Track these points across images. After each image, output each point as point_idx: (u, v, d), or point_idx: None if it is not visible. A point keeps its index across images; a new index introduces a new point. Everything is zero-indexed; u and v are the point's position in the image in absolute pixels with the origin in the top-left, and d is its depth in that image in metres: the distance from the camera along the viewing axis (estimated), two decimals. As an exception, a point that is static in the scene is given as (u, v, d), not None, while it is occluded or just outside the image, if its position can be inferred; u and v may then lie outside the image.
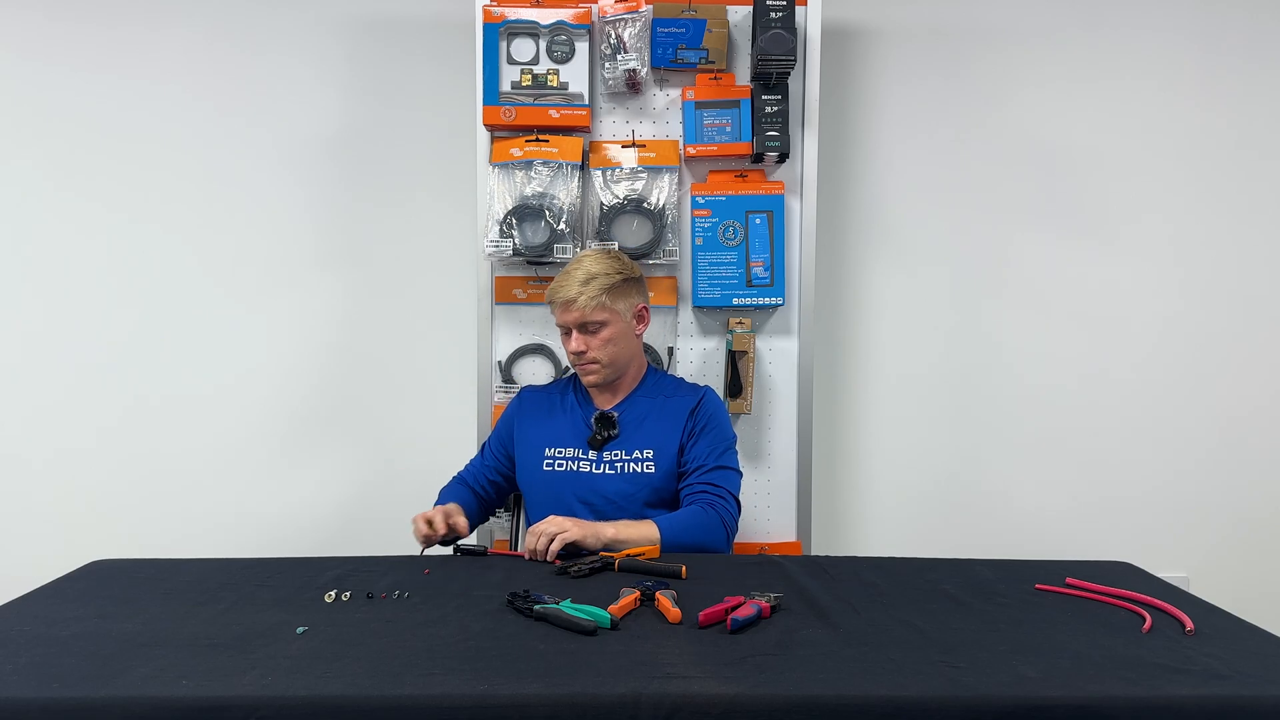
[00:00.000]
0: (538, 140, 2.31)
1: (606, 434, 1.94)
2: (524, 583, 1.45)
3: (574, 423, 1.99)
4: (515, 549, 2.10)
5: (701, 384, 2.07)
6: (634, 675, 1.13)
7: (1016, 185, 2.80)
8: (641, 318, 2.00)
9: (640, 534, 1.76)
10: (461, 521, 1.85)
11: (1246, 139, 2.81)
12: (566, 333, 1.94)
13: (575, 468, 1.94)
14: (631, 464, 1.93)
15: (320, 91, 2.74)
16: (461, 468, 2.11)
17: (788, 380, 2.41)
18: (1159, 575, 1.62)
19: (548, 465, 1.96)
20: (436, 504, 1.95)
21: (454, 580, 1.53)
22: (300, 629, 1.29)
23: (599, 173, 2.32)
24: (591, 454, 1.94)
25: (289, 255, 2.76)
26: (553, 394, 2.08)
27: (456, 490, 2.04)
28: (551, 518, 1.71)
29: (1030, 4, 2.78)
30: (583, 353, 1.91)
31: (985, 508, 2.86)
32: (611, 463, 1.93)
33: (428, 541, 1.81)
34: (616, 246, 2.28)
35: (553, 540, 1.66)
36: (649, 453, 1.93)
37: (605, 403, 2.00)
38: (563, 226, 2.27)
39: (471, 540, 1.93)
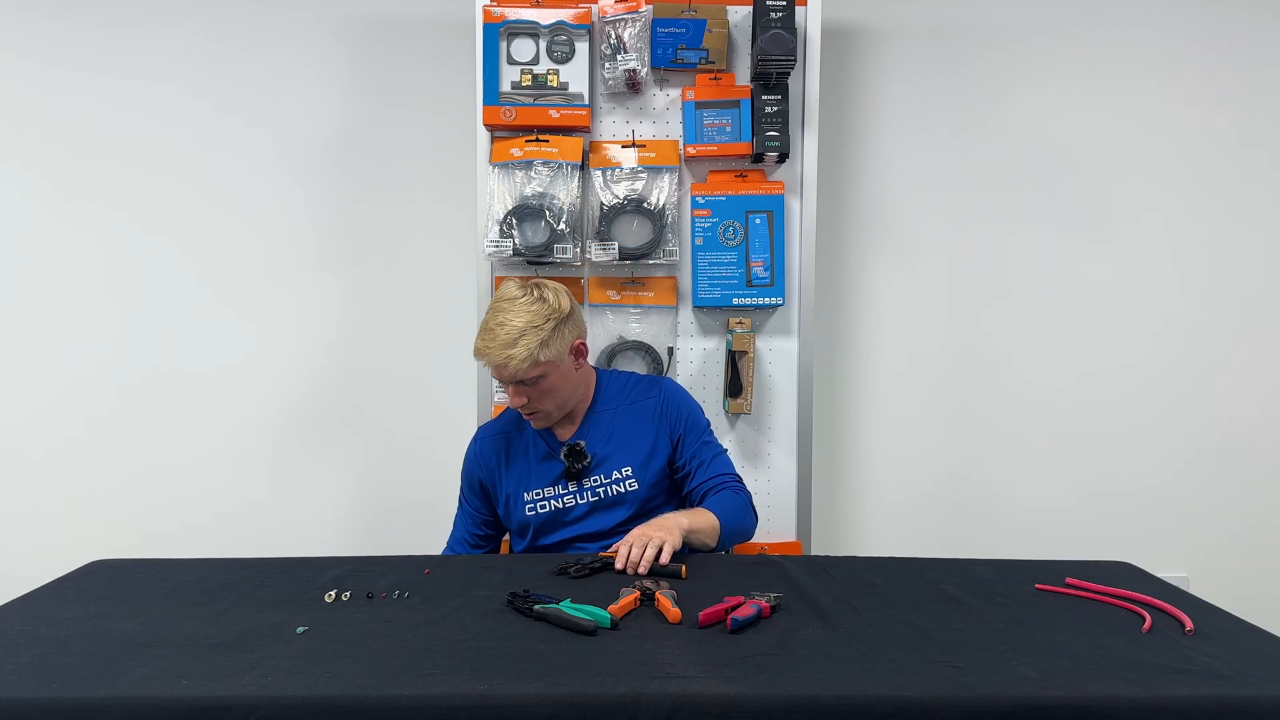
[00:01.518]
0: (538, 140, 2.31)
1: (580, 466, 1.87)
2: (524, 583, 1.45)
3: (541, 459, 1.91)
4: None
5: (701, 395, 2.05)
6: (634, 675, 1.13)
7: (1016, 184, 2.81)
8: (580, 352, 1.87)
9: (706, 521, 1.76)
10: None
11: (1246, 138, 2.81)
12: (504, 384, 1.82)
13: (560, 505, 1.88)
14: (613, 486, 1.88)
15: (320, 91, 2.74)
16: (449, 539, 2.01)
17: (788, 380, 2.41)
18: (1159, 575, 1.62)
19: (530, 510, 1.89)
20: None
21: (454, 580, 1.53)
22: (300, 629, 1.29)
23: (599, 173, 2.32)
24: (571, 485, 1.88)
25: (289, 255, 2.76)
26: (509, 430, 1.96)
27: None
28: (642, 530, 1.64)
29: (1030, 3, 2.78)
30: (525, 404, 1.81)
31: (985, 508, 2.86)
32: (593, 489, 1.88)
33: None
34: (616, 247, 2.28)
35: (661, 549, 1.58)
36: (627, 470, 1.88)
37: (566, 429, 1.92)
38: (563, 226, 2.27)
39: None
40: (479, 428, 2.08)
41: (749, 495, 1.92)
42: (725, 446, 2.00)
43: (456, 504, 2.03)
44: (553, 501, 1.88)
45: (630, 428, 1.92)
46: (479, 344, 1.78)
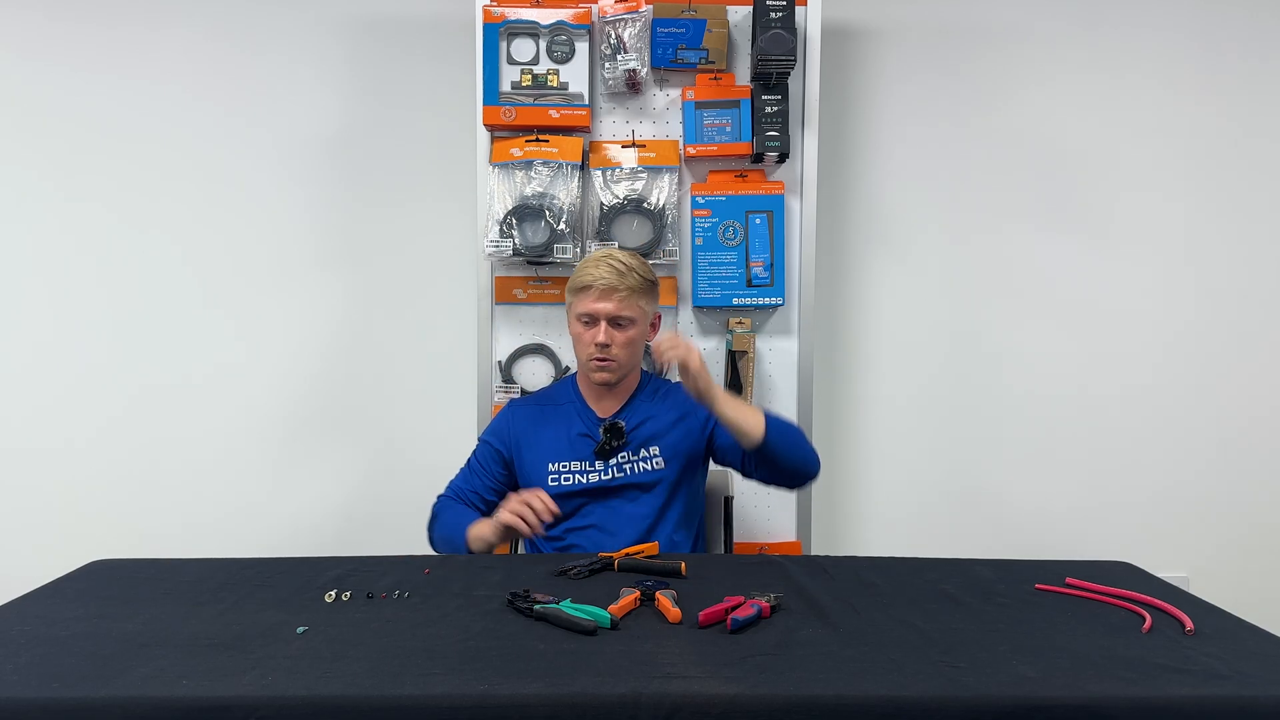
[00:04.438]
0: (538, 140, 2.31)
1: (616, 444, 1.89)
2: (524, 583, 1.45)
3: (576, 432, 1.93)
4: (514, 552, 2.10)
5: None
6: (634, 675, 1.13)
7: (1017, 184, 2.81)
8: (655, 327, 1.98)
9: (746, 414, 1.78)
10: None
11: (1247, 137, 2.81)
12: (589, 323, 1.87)
13: (584, 480, 1.90)
14: (640, 463, 1.90)
15: (320, 91, 2.74)
16: (449, 484, 2.00)
17: (788, 380, 2.41)
18: (1159, 575, 1.62)
19: (553, 480, 1.90)
20: (445, 525, 1.89)
21: (454, 580, 1.53)
22: (300, 629, 1.29)
23: (599, 173, 2.32)
24: (598, 464, 1.90)
25: (289, 255, 2.76)
26: (545, 405, 2.01)
27: (466, 510, 1.92)
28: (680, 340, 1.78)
29: (1030, 3, 2.78)
30: (606, 346, 1.85)
31: (985, 507, 2.86)
32: (619, 465, 1.90)
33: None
34: (616, 246, 2.28)
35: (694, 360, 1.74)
36: (654, 449, 1.91)
37: (607, 409, 1.95)
38: (563, 226, 2.27)
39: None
40: (512, 401, 2.12)
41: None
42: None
43: (465, 466, 2.01)
44: (577, 475, 1.90)
45: (662, 415, 1.95)
46: (590, 270, 1.86)
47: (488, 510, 1.97)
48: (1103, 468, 2.86)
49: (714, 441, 1.94)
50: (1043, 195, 2.81)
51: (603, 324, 1.85)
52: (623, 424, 1.91)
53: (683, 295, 2.40)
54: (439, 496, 2.00)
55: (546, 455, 1.92)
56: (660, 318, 2.01)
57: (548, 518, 1.75)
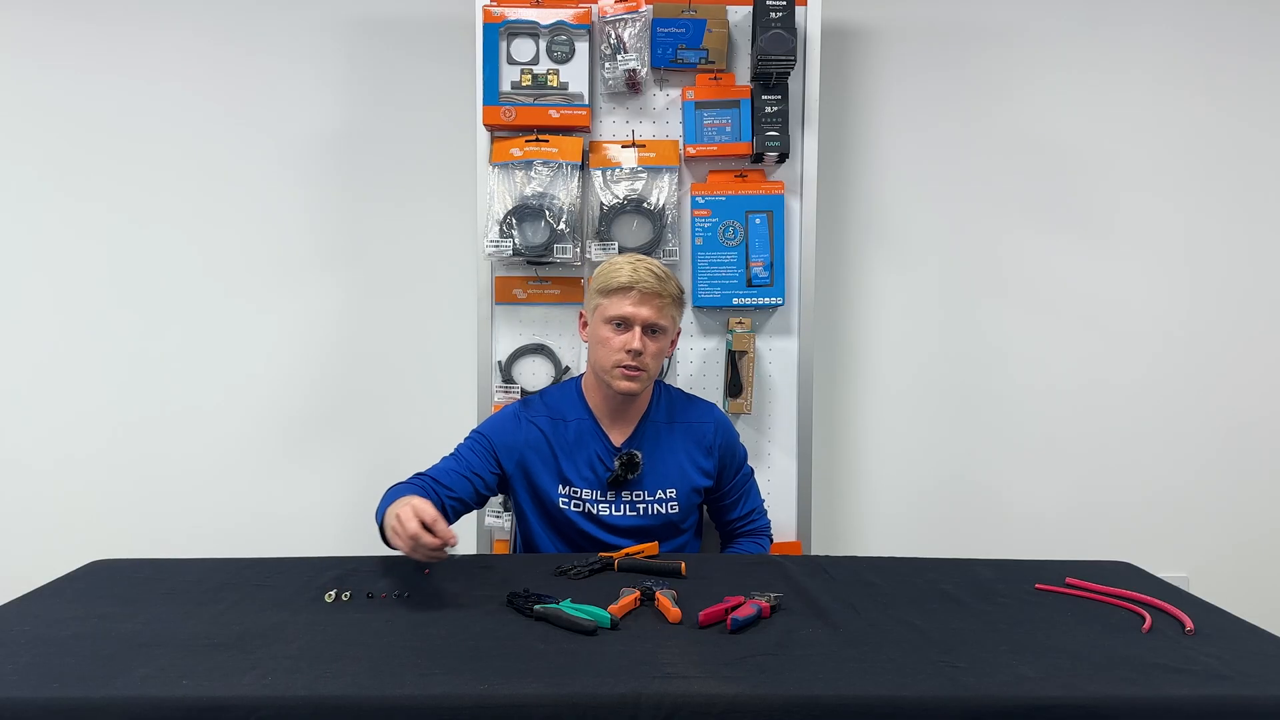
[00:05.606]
0: (538, 140, 2.31)
1: (630, 476, 1.81)
2: (524, 583, 1.45)
3: (588, 458, 1.84)
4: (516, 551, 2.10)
5: (702, 395, 2.04)
6: (634, 675, 1.13)
7: (1017, 184, 2.81)
8: (674, 342, 1.91)
9: None
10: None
11: (1247, 136, 2.81)
12: (621, 327, 1.77)
13: (593, 510, 1.83)
14: (655, 505, 1.85)
15: (320, 91, 2.74)
16: (421, 473, 1.81)
17: (788, 380, 2.41)
18: (1159, 575, 1.62)
19: (564, 504, 1.83)
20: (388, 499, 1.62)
21: (454, 580, 1.53)
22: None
23: (599, 173, 2.32)
24: (609, 494, 1.84)
25: (289, 255, 2.76)
26: (557, 421, 1.87)
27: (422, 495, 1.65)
28: None
29: (1030, 3, 2.78)
30: (639, 354, 1.75)
31: (985, 508, 2.86)
32: (632, 503, 1.84)
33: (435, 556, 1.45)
34: (617, 247, 2.28)
35: None
36: (672, 492, 1.86)
37: (618, 431, 1.87)
38: (563, 226, 2.27)
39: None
40: (521, 402, 1.94)
41: (769, 531, 2.05)
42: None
43: (451, 456, 1.85)
44: (588, 505, 1.84)
45: (681, 449, 1.89)
46: (628, 272, 1.77)
47: (455, 514, 1.78)
48: (1103, 467, 2.86)
49: (710, 495, 1.96)
50: (1042, 194, 2.81)
51: (638, 329, 1.76)
52: (639, 457, 1.82)
53: (683, 295, 2.40)
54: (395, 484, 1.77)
55: (557, 477, 1.84)
56: (680, 334, 1.94)
57: (440, 553, 1.44)
